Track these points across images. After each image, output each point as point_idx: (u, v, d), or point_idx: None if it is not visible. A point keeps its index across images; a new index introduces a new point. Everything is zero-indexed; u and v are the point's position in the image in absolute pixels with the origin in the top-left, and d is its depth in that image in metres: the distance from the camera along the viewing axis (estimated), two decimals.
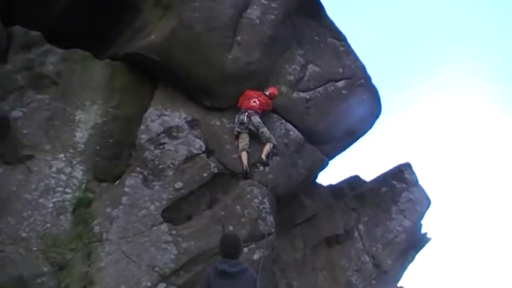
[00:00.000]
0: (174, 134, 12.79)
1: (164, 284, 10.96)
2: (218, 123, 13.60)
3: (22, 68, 12.99)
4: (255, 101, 13.69)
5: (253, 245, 12.07)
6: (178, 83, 13.43)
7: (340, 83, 15.51)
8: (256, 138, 13.49)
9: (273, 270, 13.59)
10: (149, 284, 10.82)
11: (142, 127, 12.71)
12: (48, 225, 11.32)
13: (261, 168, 13.28)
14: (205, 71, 13.28)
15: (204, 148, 12.82)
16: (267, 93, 14.07)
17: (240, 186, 12.85)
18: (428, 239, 18.77)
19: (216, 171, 12.70)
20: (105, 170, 12.39)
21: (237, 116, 13.58)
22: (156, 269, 11.03)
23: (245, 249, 11.82)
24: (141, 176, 12.17)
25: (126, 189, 11.95)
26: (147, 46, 13.19)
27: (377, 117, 16.52)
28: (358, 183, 18.05)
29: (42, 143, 12.27)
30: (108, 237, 11.22)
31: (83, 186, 12.03)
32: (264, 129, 13.54)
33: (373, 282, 16.27)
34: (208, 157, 12.80)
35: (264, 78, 14.26)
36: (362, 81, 15.98)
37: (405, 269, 18.12)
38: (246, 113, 13.49)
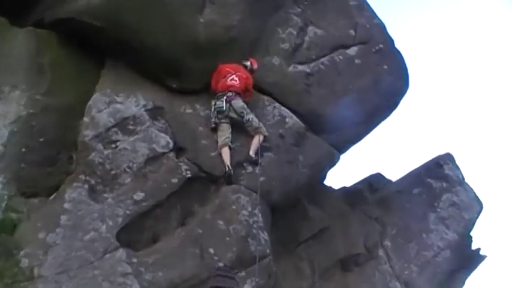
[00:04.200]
0: (131, 127, 12.61)
1: None
2: (190, 110, 13.53)
3: None
4: (233, 79, 13.45)
5: (242, 273, 11.96)
6: (132, 58, 13.23)
7: (352, 50, 15.42)
8: (240, 129, 13.39)
9: None
10: None
11: (85, 119, 12.47)
12: None
13: (249, 168, 13.23)
14: (169, 40, 13.09)
15: (171, 145, 12.74)
16: (247, 64, 13.90)
17: (222, 194, 12.81)
18: (483, 257, 18.52)
19: (189, 175, 12.63)
20: (34, 181, 12.13)
21: (212, 103, 13.40)
22: None
23: None
24: (86, 187, 11.98)
25: (66, 206, 11.69)
26: (84, 7, 12.81)
27: (403, 94, 16.41)
28: (380, 183, 18.23)
29: None
30: (42, 273, 10.85)
31: (3, 204, 11.72)
32: (251, 116, 13.38)
33: None
34: (177, 157, 12.73)
35: (248, 47, 14.15)
36: (381, 45, 15.91)
37: None
38: (225, 97, 13.27)
